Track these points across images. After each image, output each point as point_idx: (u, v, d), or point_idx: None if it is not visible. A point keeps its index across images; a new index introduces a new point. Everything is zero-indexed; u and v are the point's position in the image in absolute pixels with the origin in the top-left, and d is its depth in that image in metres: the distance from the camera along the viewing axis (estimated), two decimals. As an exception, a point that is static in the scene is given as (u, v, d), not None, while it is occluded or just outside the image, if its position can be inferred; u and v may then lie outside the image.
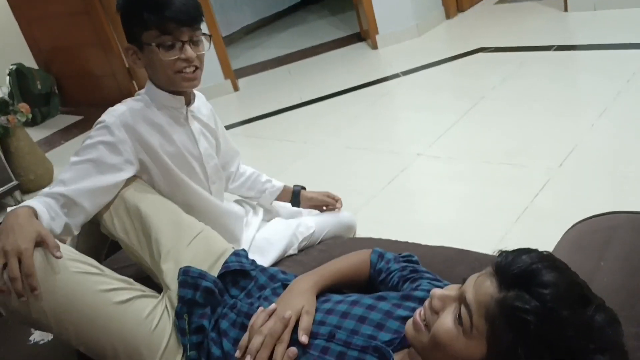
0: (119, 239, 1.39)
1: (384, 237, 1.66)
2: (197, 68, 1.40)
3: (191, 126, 1.50)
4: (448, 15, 4.71)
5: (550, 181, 2.32)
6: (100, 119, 1.39)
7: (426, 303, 0.92)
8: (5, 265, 1.07)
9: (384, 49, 4.46)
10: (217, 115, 1.66)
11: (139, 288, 1.25)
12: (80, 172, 1.33)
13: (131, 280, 1.25)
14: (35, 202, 1.26)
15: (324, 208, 1.82)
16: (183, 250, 1.33)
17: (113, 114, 1.39)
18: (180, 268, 1.28)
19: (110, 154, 1.36)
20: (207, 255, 1.35)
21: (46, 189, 1.34)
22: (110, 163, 1.35)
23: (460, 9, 4.79)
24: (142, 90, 1.48)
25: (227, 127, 3.75)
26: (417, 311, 0.93)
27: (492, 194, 2.37)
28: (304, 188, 1.84)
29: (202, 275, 1.27)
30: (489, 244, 2.00)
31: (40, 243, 1.11)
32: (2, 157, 3.43)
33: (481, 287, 0.84)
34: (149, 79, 1.46)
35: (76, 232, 1.36)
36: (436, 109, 3.30)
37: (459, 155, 2.73)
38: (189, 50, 1.36)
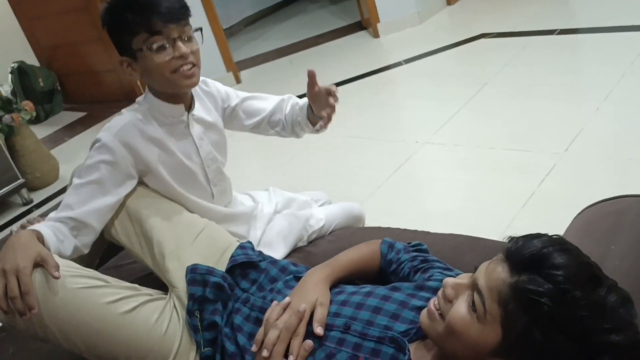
0: (121, 243, 1.41)
1: (392, 226, 1.66)
2: (194, 65, 1.36)
3: (192, 133, 1.48)
4: (449, 2, 4.69)
5: (556, 166, 2.32)
6: (98, 137, 1.38)
7: (439, 292, 0.93)
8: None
9: (386, 37, 4.44)
10: (237, 94, 1.63)
11: (146, 292, 1.26)
12: (85, 194, 1.34)
13: (136, 286, 1.26)
14: (42, 226, 1.27)
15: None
16: (187, 248, 1.34)
17: (110, 132, 1.37)
18: (188, 266, 1.29)
19: (112, 172, 1.36)
20: (212, 251, 1.35)
21: (53, 214, 1.34)
22: (113, 181, 1.36)
23: (461, -6, 4.78)
24: (141, 98, 1.45)
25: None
26: (431, 301, 0.94)
27: (498, 180, 2.37)
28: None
29: (210, 271, 1.28)
30: (496, 230, 2.01)
31: (40, 264, 1.11)
32: (8, 156, 3.44)
33: (493, 273, 0.84)
34: (147, 87, 1.44)
35: (86, 252, 1.37)
36: (440, 97, 3.30)
37: (464, 142, 2.73)
38: (182, 47, 1.32)
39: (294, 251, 1.62)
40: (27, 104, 3.59)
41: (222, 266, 1.33)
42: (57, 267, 1.10)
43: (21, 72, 4.87)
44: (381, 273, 1.26)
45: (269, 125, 1.70)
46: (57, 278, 1.09)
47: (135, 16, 1.29)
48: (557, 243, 0.83)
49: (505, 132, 2.68)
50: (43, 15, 4.86)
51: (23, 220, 1.59)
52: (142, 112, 1.42)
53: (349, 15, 5.16)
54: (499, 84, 3.19)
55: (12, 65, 4.89)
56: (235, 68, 4.53)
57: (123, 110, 1.44)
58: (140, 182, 1.45)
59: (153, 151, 1.41)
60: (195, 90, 1.53)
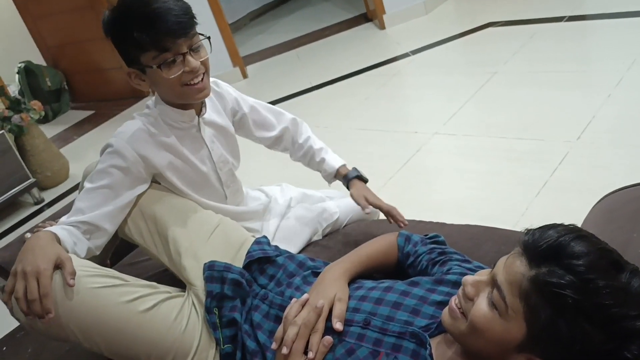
0: (136, 241, 1.40)
1: (407, 217, 1.65)
2: (205, 73, 1.34)
3: (204, 137, 1.47)
4: (455, -9, 4.65)
5: (569, 154, 2.30)
6: (109, 142, 1.37)
7: (459, 291, 0.92)
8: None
9: (392, 29, 4.42)
10: (246, 100, 1.60)
11: (164, 290, 1.26)
12: (97, 198, 1.33)
13: (154, 283, 1.26)
14: (57, 228, 1.26)
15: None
16: (202, 245, 1.34)
17: (122, 137, 1.36)
18: (205, 263, 1.29)
19: (124, 177, 1.35)
20: (228, 247, 1.35)
21: (65, 218, 1.33)
22: (124, 185, 1.35)
23: (467, -17, 4.74)
24: (151, 103, 1.44)
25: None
26: (452, 299, 0.93)
27: (510, 169, 2.35)
28: (360, 177, 1.62)
29: (228, 267, 1.27)
30: (511, 219, 2.00)
31: (59, 266, 1.11)
32: (18, 156, 3.46)
33: (511, 267, 0.83)
34: (157, 93, 1.42)
35: (98, 253, 1.37)
36: (449, 87, 3.28)
37: (475, 132, 2.72)
38: (192, 61, 1.28)
39: (309, 245, 1.62)
40: (36, 104, 3.60)
41: (238, 262, 1.32)
42: (74, 275, 1.10)
43: (28, 72, 4.89)
44: (399, 266, 1.25)
45: (276, 146, 1.69)
46: (71, 286, 1.09)
47: (142, 33, 1.23)
48: (573, 231, 0.82)
49: (516, 121, 2.66)
50: (48, 14, 4.86)
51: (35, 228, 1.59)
52: (153, 118, 1.40)
53: (354, 7, 5.14)
54: (508, 73, 3.17)
55: (19, 65, 4.91)
56: (242, 63, 4.52)
57: (135, 115, 1.43)
58: (153, 181, 1.44)
59: (165, 157, 1.40)
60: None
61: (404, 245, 1.25)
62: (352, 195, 1.57)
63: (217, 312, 1.23)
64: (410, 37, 4.13)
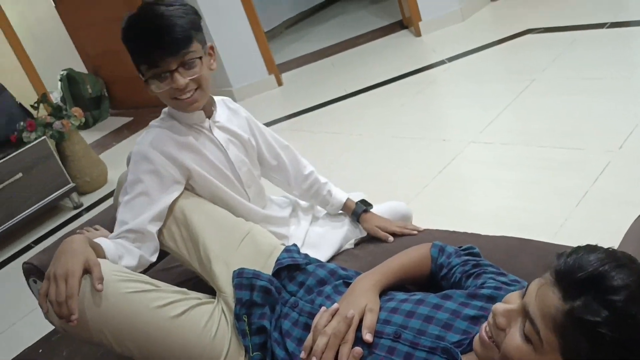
0: (168, 247, 1.41)
1: (440, 227, 1.63)
2: (197, 88, 1.38)
3: (217, 138, 1.49)
4: (493, -3, 4.59)
5: (610, 164, 2.23)
6: (133, 151, 1.41)
7: (490, 318, 0.88)
8: None
9: (428, 36, 4.38)
10: (256, 123, 1.62)
11: (194, 296, 1.26)
12: (136, 207, 1.36)
13: (185, 290, 1.27)
14: (103, 240, 1.29)
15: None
16: (232, 252, 1.34)
17: (144, 143, 1.40)
18: (234, 270, 1.29)
19: (156, 180, 1.38)
20: (257, 255, 1.35)
21: (112, 235, 1.36)
22: (159, 188, 1.38)
23: (505, -11, 4.66)
24: (165, 109, 1.49)
25: (273, 123, 3.79)
26: (483, 327, 0.89)
27: (549, 179, 2.30)
28: (366, 209, 1.64)
29: (257, 274, 1.27)
30: (549, 230, 1.94)
31: (88, 270, 1.12)
32: (59, 161, 3.54)
33: (544, 299, 0.79)
34: None
35: (153, 260, 1.38)
36: (485, 95, 3.23)
37: (512, 140, 2.66)
38: (179, 79, 1.33)
39: (340, 254, 1.60)
40: (77, 111, 3.68)
41: (268, 270, 1.32)
42: (101, 280, 1.11)
43: (70, 80, 5.01)
44: (432, 278, 1.23)
45: (276, 174, 1.68)
46: (98, 291, 1.10)
47: (136, 47, 1.34)
48: (610, 259, 0.77)
49: (555, 130, 2.60)
50: (89, 23, 4.99)
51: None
52: (169, 121, 1.46)
53: (390, 14, 5.11)
54: (547, 80, 3.10)
55: (62, 72, 5.04)
56: (277, 71, 4.54)
57: (151, 123, 1.47)
58: (186, 187, 1.46)
59: (188, 155, 1.43)
60: (220, 103, 1.55)
61: (437, 256, 1.23)
62: (366, 230, 1.62)
63: (246, 320, 1.22)
64: (447, 45, 4.08)
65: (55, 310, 1.08)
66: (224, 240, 1.35)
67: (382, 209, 1.70)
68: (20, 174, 3.34)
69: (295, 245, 1.42)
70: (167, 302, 1.18)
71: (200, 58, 1.37)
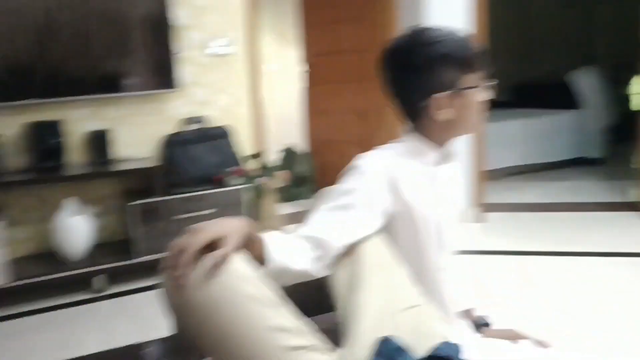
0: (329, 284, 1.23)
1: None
2: None
3: (438, 187, 1.33)
4: None
5: None
6: (358, 163, 1.27)
7: None
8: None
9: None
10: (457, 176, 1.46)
11: (314, 337, 1.04)
12: (332, 218, 1.21)
13: (308, 325, 1.04)
14: (268, 234, 1.15)
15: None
16: (387, 317, 1.13)
17: (373, 159, 1.28)
18: (381, 337, 1.08)
19: (363, 205, 1.22)
20: (414, 333, 1.11)
21: (293, 230, 1.23)
22: (360, 215, 1.22)
23: None
24: (398, 141, 1.36)
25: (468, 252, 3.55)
26: None
27: None
28: (486, 324, 1.48)
29: (401, 350, 1.05)
30: None
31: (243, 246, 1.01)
32: (241, 211, 3.55)
33: None
34: (411, 130, 1.34)
35: (316, 276, 1.20)
36: None
37: None
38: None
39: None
40: (283, 174, 3.84)
41: (417, 351, 1.08)
42: (224, 258, 0.96)
43: (288, 154, 5.37)
44: None
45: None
46: (217, 266, 0.95)
47: (474, 54, 1.29)
48: None
49: None
50: (324, 112, 5.40)
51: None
52: (404, 147, 1.33)
53: (618, 194, 4.73)
54: None
55: (285, 146, 5.45)
56: (482, 207, 4.33)
57: (381, 146, 1.35)
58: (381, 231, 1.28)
59: (412, 188, 1.27)
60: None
61: None
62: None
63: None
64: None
65: (172, 262, 0.95)
66: (385, 301, 1.15)
67: None
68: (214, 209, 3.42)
69: (458, 345, 1.16)
70: (284, 326, 0.98)
71: None
